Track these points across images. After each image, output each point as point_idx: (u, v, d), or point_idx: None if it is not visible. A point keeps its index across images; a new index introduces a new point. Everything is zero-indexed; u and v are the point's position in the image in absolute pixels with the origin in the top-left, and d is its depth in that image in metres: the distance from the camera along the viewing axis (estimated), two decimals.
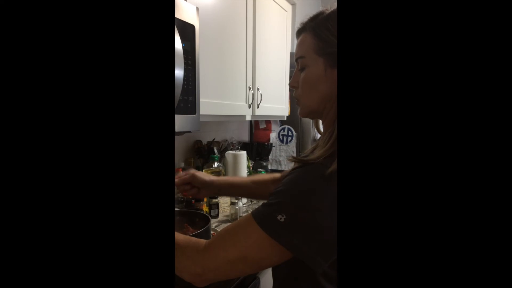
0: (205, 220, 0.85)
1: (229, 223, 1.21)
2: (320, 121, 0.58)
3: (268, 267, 0.50)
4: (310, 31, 0.51)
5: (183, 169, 1.32)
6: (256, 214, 0.46)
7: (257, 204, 1.47)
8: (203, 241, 0.50)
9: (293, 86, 0.56)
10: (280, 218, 0.43)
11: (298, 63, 0.54)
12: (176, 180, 0.78)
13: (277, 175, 0.80)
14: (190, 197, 0.90)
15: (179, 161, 1.39)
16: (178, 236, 0.52)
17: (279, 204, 0.44)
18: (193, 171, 0.78)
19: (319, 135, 1.99)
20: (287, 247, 0.43)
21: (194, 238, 0.51)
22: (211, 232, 0.93)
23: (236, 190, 0.82)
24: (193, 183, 0.77)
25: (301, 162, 0.48)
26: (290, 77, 1.84)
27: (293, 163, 0.51)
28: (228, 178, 0.83)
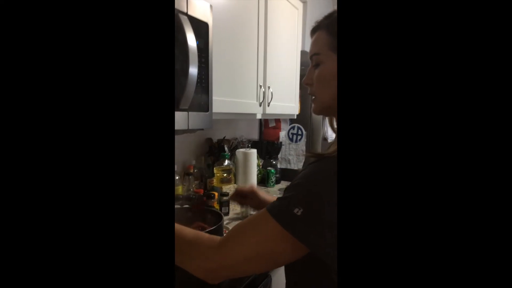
0: (218, 217, 0.85)
1: (240, 221, 1.21)
2: (334, 119, 0.57)
3: (284, 264, 0.50)
4: (324, 28, 0.51)
5: (194, 166, 1.33)
6: (271, 209, 0.46)
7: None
8: (216, 237, 0.50)
9: (307, 83, 0.55)
10: (297, 212, 0.43)
11: (313, 60, 0.54)
12: (238, 189, 0.83)
13: None
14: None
15: (190, 159, 1.39)
16: (190, 232, 0.51)
17: (296, 197, 0.44)
18: (254, 186, 0.83)
19: (329, 134, 1.97)
20: (302, 241, 0.43)
21: (206, 234, 0.51)
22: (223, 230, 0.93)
23: None
24: (249, 195, 0.80)
25: (317, 156, 0.48)
26: (301, 75, 1.83)
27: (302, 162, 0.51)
28: None
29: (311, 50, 0.54)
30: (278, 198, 0.47)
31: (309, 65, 0.55)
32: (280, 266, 0.50)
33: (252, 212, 1.29)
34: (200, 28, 0.89)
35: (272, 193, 1.62)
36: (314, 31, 0.54)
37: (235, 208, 1.32)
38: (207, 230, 0.76)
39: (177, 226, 0.53)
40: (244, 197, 0.81)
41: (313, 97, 0.56)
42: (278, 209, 0.45)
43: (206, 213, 0.91)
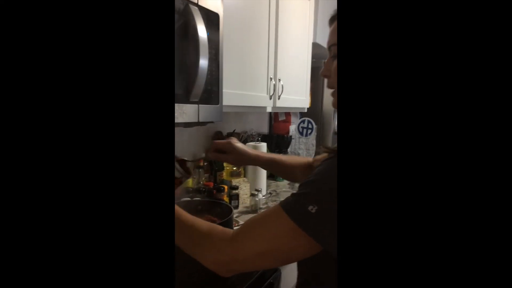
0: (227, 210, 0.85)
1: (251, 214, 1.21)
2: None
3: (296, 260, 0.49)
4: None
5: (204, 160, 1.33)
6: (285, 205, 0.45)
7: (277, 197, 1.46)
8: (229, 230, 0.50)
9: (325, 75, 0.53)
10: (312, 209, 0.42)
11: (331, 51, 0.51)
12: (214, 143, 0.77)
13: (310, 159, 0.80)
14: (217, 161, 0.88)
15: (200, 152, 1.39)
16: (203, 223, 0.51)
17: (311, 194, 0.43)
18: (233, 139, 0.77)
19: None
20: (316, 239, 0.42)
21: (219, 226, 0.51)
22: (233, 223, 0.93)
23: (268, 167, 0.81)
24: (227, 150, 0.75)
25: (334, 152, 0.47)
26: (312, 68, 1.78)
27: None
28: (264, 155, 0.80)
29: (329, 41, 0.52)
30: (293, 194, 0.46)
31: (322, 57, 0.53)
32: (293, 262, 0.49)
33: (262, 206, 1.28)
34: (211, 18, 0.88)
35: (281, 187, 1.61)
36: (332, 20, 0.52)
37: (244, 202, 1.32)
38: (216, 223, 0.76)
39: (192, 217, 0.52)
40: (222, 152, 0.76)
41: (332, 90, 0.53)
42: (292, 206, 0.44)
43: (216, 206, 0.91)
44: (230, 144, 0.75)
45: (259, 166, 0.81)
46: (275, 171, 0.84)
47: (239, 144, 0.76)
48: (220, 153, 0.76)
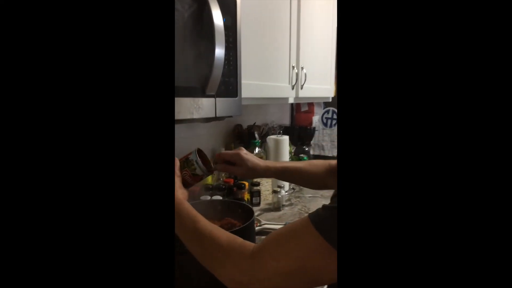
0: (249, 212, 0.79)
1: (273, 212, 1.15)
2: None
3: (327, 282, 0.43)
4: None
5: None
6: (315, 219, 0.39)
7: (300, 192, 1.39)
8: (250, 245, 0.44)
9: None
10: None
11: None
12: (219, 154, 0.71)
13: (333, 162, 0.71)
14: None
15: (219, 147, 1.34)
16: (222, 235, 0.46)
17: None
18: (241, 150, 0.70)
19: None
20: None
21: (239, 240, 0.46)
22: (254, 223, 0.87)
23: (282, 177, 0.75)
24: (236, 161, 0.69)
25: None
26: (337, 53, 1.67)
27: None
28: (275, 165, 0.73)
29: None
30: (324, 207, 0.40)
31: None
32: (323, 284, 0.42)
33: (284, 203, 1.22)
34: (227, 3, 0.81)
35: None
36: None
37: (266, 199, 1.26)
38: (236, 227, 0.70)
39: (210, 225, 0.48)
40: (230, 163, 0.69)
41: None
42: (323, 221, 0.38)
43: (236, 207, 0.85)
44: (239, 155, 0.68)
45: (272, 177, 0.74)
46: (291, 180, 0.78)
47: (249, 155, 0.69)
48: (229, 164, 0.70)
